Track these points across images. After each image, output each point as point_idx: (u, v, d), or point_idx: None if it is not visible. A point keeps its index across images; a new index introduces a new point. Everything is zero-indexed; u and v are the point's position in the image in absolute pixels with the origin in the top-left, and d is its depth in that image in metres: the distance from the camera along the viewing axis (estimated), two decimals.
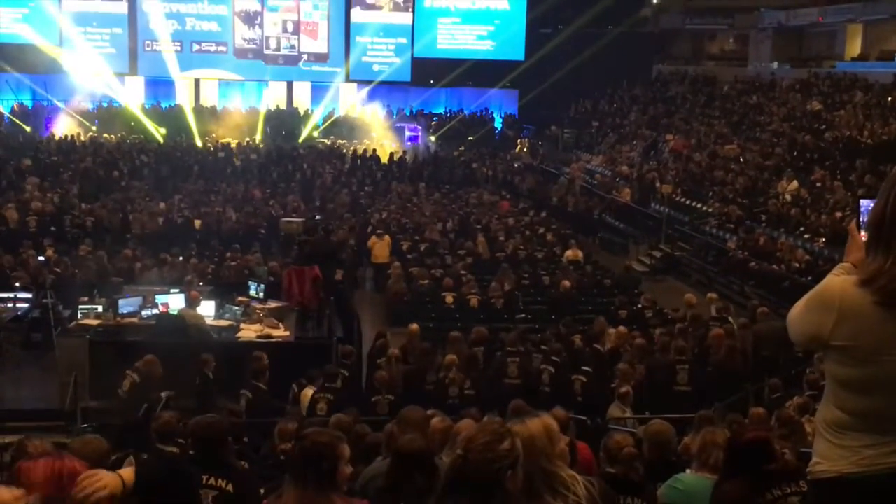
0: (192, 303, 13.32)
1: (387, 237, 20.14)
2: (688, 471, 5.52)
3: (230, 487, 4.92)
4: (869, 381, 2.58)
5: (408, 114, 40.02)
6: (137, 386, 10.91)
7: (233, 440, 7.11)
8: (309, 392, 10.86)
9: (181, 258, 17.91)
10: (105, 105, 37.55)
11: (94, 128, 35.83)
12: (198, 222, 21.54)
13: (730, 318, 14.94)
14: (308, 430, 3.75)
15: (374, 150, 33.74)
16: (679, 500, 5.17)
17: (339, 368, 11.46)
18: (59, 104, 36.55)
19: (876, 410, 2.59)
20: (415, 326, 13.13)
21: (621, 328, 13.75)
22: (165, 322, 13.07)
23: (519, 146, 37.67)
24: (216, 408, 9.38)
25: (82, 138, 33.98)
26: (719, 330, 13.55)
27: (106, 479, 3.05)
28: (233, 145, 34.04)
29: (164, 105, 38.58)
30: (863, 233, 2.76)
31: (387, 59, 40.57)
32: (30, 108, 37.35)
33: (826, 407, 2.73)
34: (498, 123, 40.30)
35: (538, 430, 3.46)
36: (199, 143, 34.57)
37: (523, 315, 16.58)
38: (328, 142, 36.44)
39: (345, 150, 34.31)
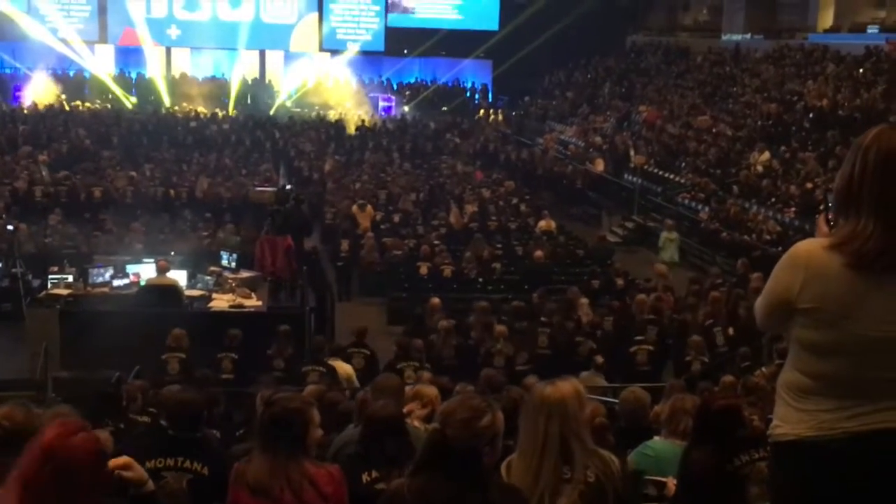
0: (160, 271, 13.11)
1: (369, 207, 20.09)
2: (656, 437, 5.58)
3: (206, 471, 4.76)
4: (832, 345, 2.60)
5: (381, 83, 39.77)
6: (184, 362, 10.78)
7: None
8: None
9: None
10: (74, 74, 36.99)
11: (62, 97, 35.25)
12: (171, 192, 21.32)
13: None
14: (277, 395, 3.74)
15: (341, 120, 33.50)
16: (649, 465, 5.22)
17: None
18: (27, 72, 35.91)
19: (837, 374, 2.62)
20: (436, 300, 13.10)
21: (583, 300, 13.87)
22: (152, 292, 12.84)
23: (483, 114, 37.57)
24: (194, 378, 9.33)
25: (51, 104, 33.46)
26: (716, 293, 13.76)
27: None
28: (205, 115, 33.69)
29: (134, 74, 38.10)
30: (831, 215, 2.74)
31: (363, 25, 40.25)
32: None
33: (788, 371, 2.75)
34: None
35: (569, 393, 3.47)
36: (171, 112, 34.16)
37: (493, 286, 16.59)
38: (305, 112, 35.99)
39: (320, 120, 34.04)
